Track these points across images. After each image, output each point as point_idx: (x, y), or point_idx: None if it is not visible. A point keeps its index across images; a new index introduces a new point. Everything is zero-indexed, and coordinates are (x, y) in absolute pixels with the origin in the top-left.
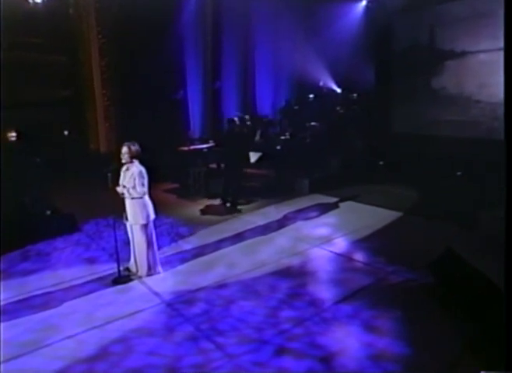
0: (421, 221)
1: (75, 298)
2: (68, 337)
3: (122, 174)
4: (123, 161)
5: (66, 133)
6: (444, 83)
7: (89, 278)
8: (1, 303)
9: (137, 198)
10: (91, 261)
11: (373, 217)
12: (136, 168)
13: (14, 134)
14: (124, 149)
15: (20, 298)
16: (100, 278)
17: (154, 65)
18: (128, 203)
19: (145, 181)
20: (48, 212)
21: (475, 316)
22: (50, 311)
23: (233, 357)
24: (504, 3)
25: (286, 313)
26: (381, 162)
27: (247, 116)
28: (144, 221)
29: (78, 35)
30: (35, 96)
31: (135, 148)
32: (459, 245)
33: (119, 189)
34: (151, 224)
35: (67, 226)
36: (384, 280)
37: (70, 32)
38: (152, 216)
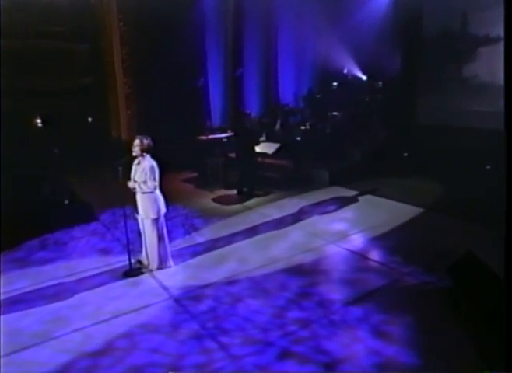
0: (443, 219)
1: (86, 290)
2: (76, 330)
3: (133, 168)
4: (133, 153)
5: (90, 120)
6: (476, 71)
7: (101, 270)
8: (18, 292)
9: (148, 193)
10: (105, 252)
11: (393, 212)
12: (148, 162)
13: (39, 120)
14: (136, 142)
15: (35, 287)
16: (112, 270)
17: (175, 53)
18: (138, 197)
19: (157, 176)
20: (66, 201)
21: (494, 328)
22: (61, 302)
23: (236, 358)
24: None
25: (294, 314)
26: (405, 154)
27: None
28: (154, 216)
29: (100, 23)
30: (58, 84)
31: (146, 141)
32: (482, 248)
33: (130, 184)
34: (162, 219)
35: (84, 215)
36: (398, 282)
37: (92, 20)
38: (163, 210)
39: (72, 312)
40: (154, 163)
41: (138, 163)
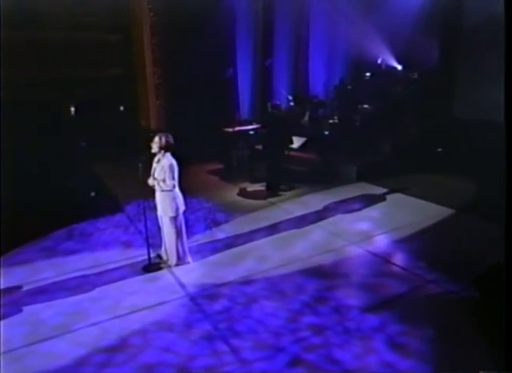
0: (476, 223)
1: (106, 283)
2: (93, 324)
3: (154, 165)
4: (152, 150)
5: (122, 108)
6: None
7: (122, 263)
8: (43, 283)
9: (167, 191)
10: (127, 245)
11: (421, 213)
12: (167, 160)
13: (72, 108)
14: (156, 139)
15: (59, 279)
16: (132, 264)
17: (204, 43)
18: (158, 195)
19: (175, 174)
20: (93, 193)
21: None
22: (81, 295)
23: (245, 362)
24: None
25: (308, 319)
26: (439, 149)
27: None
28: (173, 214)
29: (131, 13)
30: (90, 74)
31: (165, 139)
32: None
33: (150, 181)
34: (180, 216)
35: (110, 207)
36: (420, 290)
37: (123, 10)
38: (182, 208)
39: (91, 306)
40: (173, 162)
41: (158, 161)
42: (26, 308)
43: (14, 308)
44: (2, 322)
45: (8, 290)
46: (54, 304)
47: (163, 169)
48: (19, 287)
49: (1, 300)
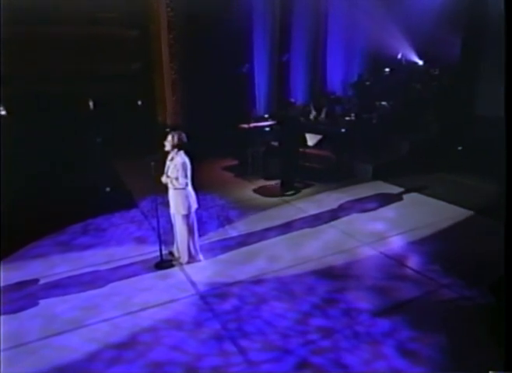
0: (494, 225)
1: (118, 279)
2: (105, 320)
3: (167, 163)
4: (165, 149)
5: (140, 103)
6: None
7: (135, 259)
8: (57, 277)
9: (179, 189)
10: (140, 241)
11: (438, 214)
12: (180, 158)
13: (91, 103)
14: (169, 138)
15: (73, 273)
16: (144, 261)
17: (221, 38)
18: (170, 192)
19: (188, 172)
20: (108, 189)
21: None
22: (94, 290)
23: (252, 364)
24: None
25: (317, 321)
26: (460, 148)
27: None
28: (185, 212)
29: (148, 9)
30: (108, 69)
31: (177, 137)
32: None
33: (163, 178)
34: (193, 214)
35: (125, 202)
36: (433, 295)
37: (141, 6)
38: (194, 207)
39: (104, 301)
40: (186, 160)
41: (172, 159)
42: (41, 302)
43: (30, 301)
44: (19, 314)
45: (26, 283)
46: (68, 298)
47: (176, 167)
48: (36, 281)
49: (18, 293)
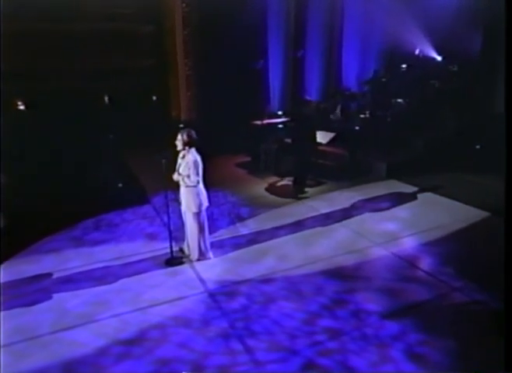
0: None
1: (129, 275)
2: (115, 316)
3: (178, 161)
4: (177, 148)
5: (154, 98)
6: None
7: (145, 256)
8: (69, 272)
9: (191, 186)
10: (151, 237)
11: (453, 215)
12: (192, 156)
13: (106, 98)
14: (179, 137)
15: (85, 268)
16: (155, 257)
17: (236, 34)
18: (182, 190)
19: (200, 170)
20: (120, 184)
21: None
22: (105, 286)
23: (258, 364)
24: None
25: (325, 322)
26: (477, 147)
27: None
28: (196, 210)
29: (163, 4)
30: (123, 65)
31: (187, 135)
32: None
33: (175, 176)
34: (203, 212)
35: (137, 198)
36: (444, 298)
37: (156, 2)
38: (205, 204)
39: (114, 297)
40: (198, 158)
41: (183, 157)
42: (54, 296)
43: (44, 295)
44: (32, 308)
45: (39, 276)
46: (79, 293)
47: (188, 164)
48: (49, 275)
49: (32, 286)
